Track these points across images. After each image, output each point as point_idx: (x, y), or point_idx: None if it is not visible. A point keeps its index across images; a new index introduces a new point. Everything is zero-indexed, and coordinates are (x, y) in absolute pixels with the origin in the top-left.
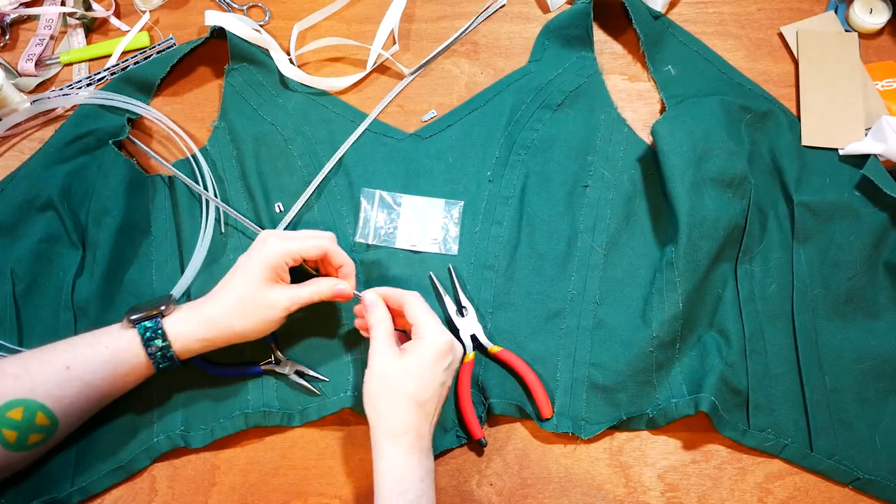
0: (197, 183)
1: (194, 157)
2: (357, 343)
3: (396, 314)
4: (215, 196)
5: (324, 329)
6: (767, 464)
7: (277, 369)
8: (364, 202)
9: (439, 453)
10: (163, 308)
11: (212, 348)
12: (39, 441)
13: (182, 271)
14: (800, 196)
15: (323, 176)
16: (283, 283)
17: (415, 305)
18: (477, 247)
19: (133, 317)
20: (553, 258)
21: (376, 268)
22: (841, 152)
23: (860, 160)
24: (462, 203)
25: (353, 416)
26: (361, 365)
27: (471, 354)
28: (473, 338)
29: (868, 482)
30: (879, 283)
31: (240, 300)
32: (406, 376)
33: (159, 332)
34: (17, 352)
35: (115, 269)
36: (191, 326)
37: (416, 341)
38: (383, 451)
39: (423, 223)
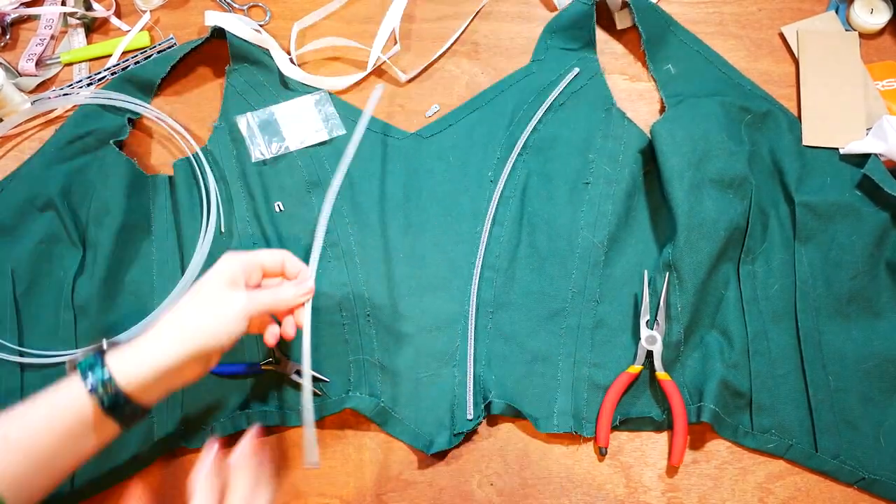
0: (197, 183)
1: (195, 155)
2: (358, 343)
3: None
4: (216, 195)
5: (324, 329)
6: (768, 464)
7: (278, 369)
8: (241, 129)
9: (439, 453)
10: (103, 343)
11: (174, 379)
12: None
13: (182, 271)
14: (801, 196)
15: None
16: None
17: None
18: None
19: (74, 360)
20: (553, 257)
21: None
22: (842, 151)
23: (861, 160)
24: (324, 91)
25: (354, 415)
26: (363, 365)
27: (637, 368)
28: (649, 354)
29: (873, 482)
30: (881, 283)
31: (197, 307)
32: None
33: (102, 370)
34: (17, 352)
35: (116, 269)
36: (139, 351)
37: None
38: None
39: (302, 121)
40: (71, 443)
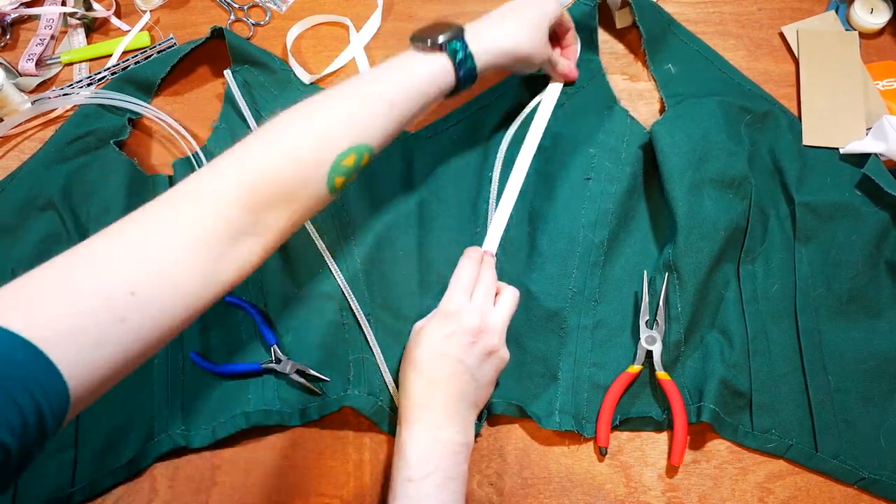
0: None
1: (195, 155)
2: (358, 343)
3: None
4: None
5: (325, 328)
6: (768, 463)
7: (278, 368)
8: None
9: None
10: (458, 29)
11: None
12: (354, 179)
13: None
14: (801, 196)
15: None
16: None
17: (457, 269)
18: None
19: (440, 40)
20: (554, 256)
21: None
22: (842, 151)
23: (861, 159)
24: None
25: (354, 415)
26: (363, 365)
27: (637, 368)
28: (649, 354)
29: (873, 482)
30: (881, 283)
31: (531, 42)
32: (412, 344)
33: (469, 52)
34: None
35: None
36: (490, 50)
37: None
38: (399, 427)
39: None
40: (426, 107)
